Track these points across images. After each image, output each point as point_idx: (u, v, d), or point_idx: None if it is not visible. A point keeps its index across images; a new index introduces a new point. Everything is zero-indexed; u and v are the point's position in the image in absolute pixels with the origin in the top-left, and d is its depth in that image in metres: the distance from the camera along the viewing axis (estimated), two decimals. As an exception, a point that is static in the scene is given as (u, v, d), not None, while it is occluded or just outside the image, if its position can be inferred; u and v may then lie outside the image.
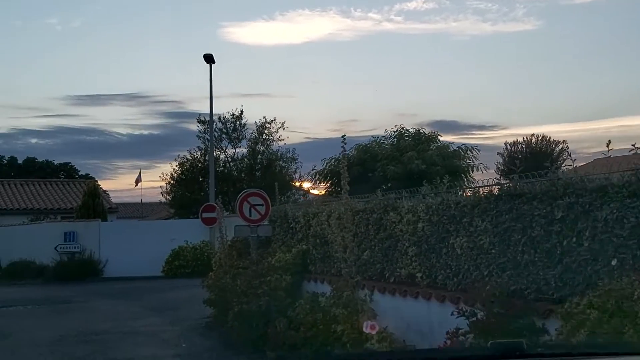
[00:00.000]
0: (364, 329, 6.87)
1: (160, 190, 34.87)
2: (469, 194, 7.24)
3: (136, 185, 36.69)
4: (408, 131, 23.40)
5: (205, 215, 23.18)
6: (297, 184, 32.66)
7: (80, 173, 49.73)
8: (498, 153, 40.22)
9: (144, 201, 40.20)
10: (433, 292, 7.44)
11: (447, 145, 23.03)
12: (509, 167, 35.47)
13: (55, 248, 23.03)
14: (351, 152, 21.94)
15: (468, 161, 22.76)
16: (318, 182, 24.37)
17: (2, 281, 23.05)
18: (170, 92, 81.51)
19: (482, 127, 56.94)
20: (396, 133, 23.21)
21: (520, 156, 38.02)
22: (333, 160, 22.55)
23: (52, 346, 10.55)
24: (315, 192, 25.84)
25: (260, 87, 69.14)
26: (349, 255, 8.10)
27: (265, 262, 10.60)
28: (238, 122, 33.30)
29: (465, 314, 6.09)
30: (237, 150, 33.71)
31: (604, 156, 6.05)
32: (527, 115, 62.13)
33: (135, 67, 64.18)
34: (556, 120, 68.97)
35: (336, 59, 62.89)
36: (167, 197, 34.15)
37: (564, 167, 7.45)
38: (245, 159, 33.51)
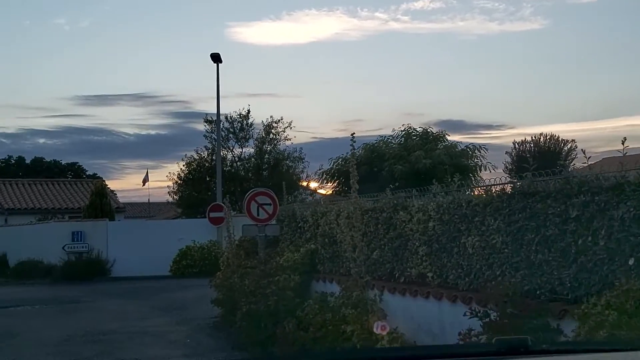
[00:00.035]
0: (375, 330, 6.76)
1: (167, 190, 34.91)
2: (481, 193, 7.12)
3: (143, 185, 36.75)
4: (415, 130, 23.29)
5: (212, 214, 23.15)
6: (304, 183, 32.60)
7: (87, 173, 49.86)
8: (506, 152, 40.09)
9: (151, 201, 40.27)
10: (444, 292, 7.33)
11: (454, 145, 22.91)
12: (517, 166, 35.36)
13: (63, 248, 23.04)
14: (358, 151, 21.81)
15: (476, 160, 22.65)
16: (325, 181, 24.32)
17: (11, 281, 23.11)
18: (177, 92, 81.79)
19: (489, 127, 56.75)
20: (404, 132, 23.12)
21: (528, 155, 37.91)
22: (340, 159, 22.48)
23: (59, 346, 10.52)
24: (322, 191, 25.81)
25: (267, 87, 69.18)
26: (358, 255, 8.00)
27: (274, 261, 10.52)
28: (245, 122, 33.28)
29: (478, 314, 5.98)
30: (244, 149, 33.71)
31: (613, 155, 5.94)
32: (534, 115, 61.89)
33: (143, 68, 64.35)
34: (563, 119, 68.66)
35: (343, 58, 62.85)
36: (175, 196, 34.16)
37: (573, 166, 7.34)
38: (252, 159, 33.47)
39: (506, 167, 37.88)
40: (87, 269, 22.31)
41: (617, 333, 4.39)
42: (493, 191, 6.87)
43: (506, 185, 6.77)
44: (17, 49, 63.58)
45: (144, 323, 12.62)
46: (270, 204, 11.92)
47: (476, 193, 7.39)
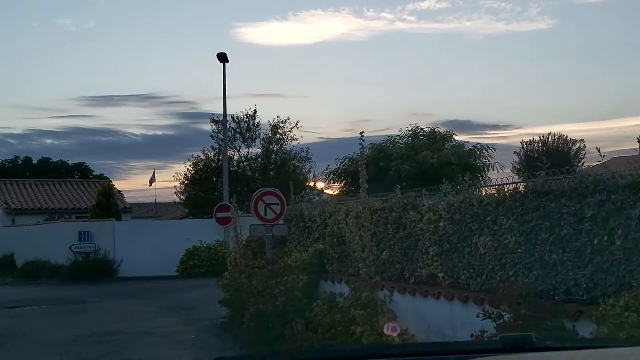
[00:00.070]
0: (385, 331, 6.66)
1: (174, 190, 34.88)
2: (492, 192, 7.00)
3: (150, 185, 36.78)
4: (423, 130, 23.14)
5: (219, 214, 23.09)
6: (311, 183, 32.50)
7: (94, 173, 49.94)
8: (514, 152, 39.89)
9: (158, 201, 40.30)
10: (456, 292, 7.22)
11: (462, 144, 22.76)
12: (525, 165, 35.15)
13: (69, 248, 23.04)
14: (366, 151, 21.68)
15: (483, 160, 22.49)
16: (332, 181, 24.21)
17: (18, 281, 23.13)
18: (183, 93, 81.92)
19: (495, 127, 56.50)
20: (411, 132, 22.97)
21: (537, 155, 37.68)
22: (347, 159, 22.36)
23: (66, 346, 10.46)
24: (328, 192, 25.70)
25: (273, 87, 69.13)
26: (367, 255, 7.90)
27: (281, 261, 10.43)
28: (251, 122, 33.20)
29: (492, 315, 5.87)
30: (250, 149, 33.64)
31: (621, 155, 5.82)
32: (541, 115, 61.61)
33: (149, 68, 64.47)
34: (570, 119, 68.31)
35: (349, 59, 62.71)
36: (181, 196, 34.13)
37: (582, 166, 7.23)
38: (259, 159, 33.39)
39: (514, 167, 37.70)
40: (94, 269, 22.29)
41: (637, 335, 4.27)
42: (505, 190, 6.76)
43: (519, 184, 6.65)
44: (24, 50, 63.89)
45: (151, 323, 12.56)
46: (277, 204, 11.83)
47: (487, 192, 7.26)
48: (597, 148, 6.13)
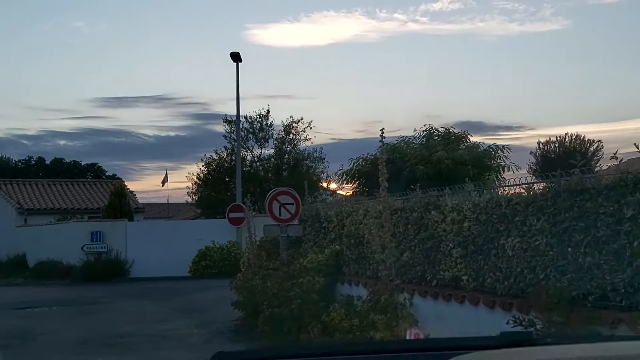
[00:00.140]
0: (408, 337, 6.32)
1: (186, 190, 34.73)
2: (521, 191, 6.64)
3: (163, 185, 36.65)
4: (437, 130, 22.78)
5: (232, 215, 22.85)
6: (324, 184, 32.20)
7: (107, 174, 49.95)
8: (530, 152, 39.30)
9: (170, 202, 40.19)
10: (481, 296, 6.87)
11: (477, 145, 22.37)
12: (542, 166, 34.61)
13: (82, 248, 22.89)
14: (378, 152, 21.40)
15: (499, 161, 22.09)
16: (345, 182, 23.89)
17: (30, 281, 23.04)
18: (195, 94, 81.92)
19: (508, 128, 55.77)
20: (425, 132, 22.61)
21: (553, 155, 37.10)
22: (361, 160, 22.06)
23: (76, 349, 10.25)
24: (341, 192, 25.40)
25: (285, 88, 69.01)
26: (387, 257, 7.58)
27: (297, 263, 10.13)
28: (264, 122, 32.97)
29: (523, 322, 5.51)
30: (263, 150, 33.41)
31: (638, 156, 5.46)
32: (555, 116, 60.78)
33: (161, 70, 64.49)
34: (584, 120, 67.46)
35: (361, 60, 62.27)
36: (194, 197, 33.97)
37: (599, 167, 6.89)
38: (272, 159, 33.15)
39: (530, 168, 37.13)
40: (106, 270, 22.13)
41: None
42: (536, 189, 6.40)
43: (550, 182, 6.28)
44: (38, 52, 64.02)
45: (162, 326, 12.30)
46: (292, 204, 11.53)
47: (515, 192, 6.90)
48: (636, 146, 5.75)
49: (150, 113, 71.60)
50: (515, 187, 7.07)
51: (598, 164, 34.52)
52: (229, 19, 61.42)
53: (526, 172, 31.40)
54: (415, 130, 22.86)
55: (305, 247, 11.40)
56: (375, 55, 61.01)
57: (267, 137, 33.18)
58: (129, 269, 22.76)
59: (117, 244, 23.07)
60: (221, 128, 34.39)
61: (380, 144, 7.83)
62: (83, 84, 66.47)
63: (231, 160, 31.71)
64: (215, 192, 32.22)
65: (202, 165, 33.29)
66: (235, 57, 24.57)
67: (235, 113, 26.22)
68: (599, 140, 38.30)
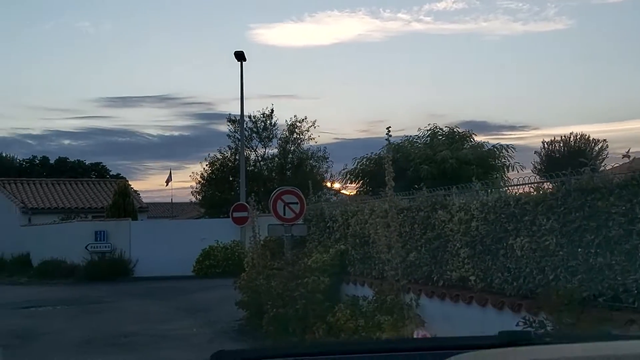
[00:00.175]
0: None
1: (190, 190, 34.66)
2: (530, 190, 6.54)
3: (167, 184, 36.61)
4: (441, 130, 22.67)
5: (236, 214, 22.78)
6: (328, 184, 32.10)
7: (111, 173, 49.95)
8: (535, 152, 39.11)
9: (174, 201, 40.15)
10: (489, 297, 6.76)
11: (481, 144, 22.25)
12: (546, 166, 34.42)
13: (86, 247, 22.86)
14: (382, 151, 21.35)
15: (503, 160, 21.96)
16: (349, 181, 23.80)
17: (34, 280, 23.00)
18: (199, 94, 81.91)
19: (512, 128, 55.49)
20: (429, 132, 22.50)
21: (558, 155, 36.89)
22: (364, 159, 21.96)
23: (80, 348, 10.19)
24: (345, 192, 25.30)
25: (289, 88, 68.83)
26: (394, 257, 7.47)
27: (302, 262, 10.02)
28: (268, 121, 32.89)
29: (533, 324, 5.41)
30: (267, 149, 33.34)
31: None
32: (559, 116, 60.58)
33: (165, 70, 64.59)
34: (588, 120, 67.22)
35: (365, 60, 62.20)
36: (198, 196, 33.91)
37: (603, 166, 6.77)
38: (276, 158, 33.07)
39: (535, 167, 36.95)
40: (110, 269, 22.08)
41: None
42: (545, 188, 6.29)
43: (561, 181, 6.17)
44: (43, 51, 64.15)
45: (166, 325, 12.22)
46: (297, 203, 11.44)
47: (523, 191, 6.79)
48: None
49: (155, 113, 71.73)
50: (523, 186, 6.97)
51: (603, 164, 34.38)
52: (232, 18, 61.42)
53: (530, 171, 31.26)
54: (419, 129, 22.74)
55: (310, 247, 11.30)
56: (379, 55, 60.93)
57: (271, 136, 33.13)
58: (133, 268, 22.71)
59: (121, 244, 23.02)
60: (225, 128, 34.43)
61: (387, 142, 7.73)
62: (87, 83, 66.67)
63: (235, 159, 31.64)
64: (219, 192, 32.15)
65: (206, 165, 33.26)
66: (240, 56, 24.49)
67: (239, 113, 26.19)
68: (604, 140, 38.05)
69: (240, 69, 24.61)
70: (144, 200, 36.14)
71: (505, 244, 6.63)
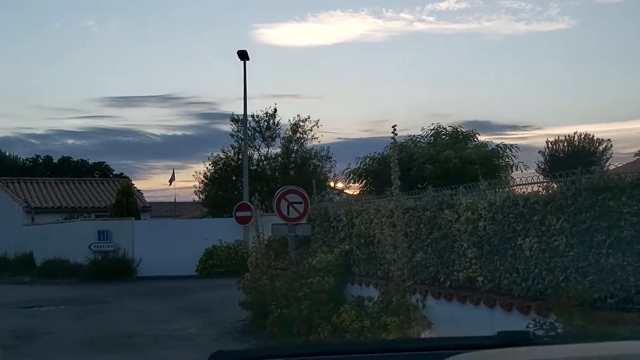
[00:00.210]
0: (422, 340, 6.12)
1: (193, 189, 34.62)
2: (539, 190, 6.43)
3: (170, 184, 36.56)
4: (445, 129, 22.56)
5: (239, 214, 22.71)
6: (331, 183, 32.02)
7: (114, 172, 49.94)
8: (539, 151, 38.94)
9: (177, 200, 40.10)
10: (497, 298, 6.66)
11: (485, 144, 22.13)
12: (550, 165, 34.26)
13: (89, 247, 22.80)
14: (386, 151, 21.29)
15: (507, 160, 21.84)
16: (352, 181, 23.70)
17: (37, 280, 22.95)
18: (203, 94, 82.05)
19: (515, 127, 55.43)
20: (433, 131, 22.40)
21: (562, 155, 36.73)
22: (368, 159, 21.86)
23: (82, 349, 10.10)
24: (348, 191, 25.21)
25: (292, 88, 68.77)
26: (400, 257, 7.37)
27: (306, 262, 9.92)
28: (272, 121, 32.81)
29: (544, 326, 5.30)
30: (270, 149, 33.26)
31: None
32: (561, 116, 60.43)
33: (169, 70, 64.55)
34: (590, 120, 67.07)
35: (368, 59, 62.10)
36: (201, 196, 33.85)
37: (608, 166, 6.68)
38: (279, 158, 32.99)
39: (539, 167, 36.78)
40: (113, 269, 22.02)
41: None
42: (555, 187, 6.18)
43: (571, 180, 6.06)
44: (47, 51, 64.24)
45: (169, 326, 12.14)
46: (301, 203, 11.34)
47: (533, 190, 6.69)
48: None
49: (158, 112, 71.77)
50: (532, 185, 6.86)
51: (607, 163, 34.19)
52: (236, 18, 61.43)
53: (534, 171, 31.10)
54: (422, 129, 22.67)
55: (314, 247, 11.21)
56: (382, 54, 60.82)
57: (274, 136, 33.05)
58: (136, 267, 22.65)
59: (124, 243, 22.96)
60: (228, 127, 34.32)
61: (393, 141, 7.63)
62: (91, 83, 66.73)
63: (238, 159, 31.57)
64: (222, 191, 32.08)
65: (209, 164, 33.20)
66: (243, 55, 24.42)
67: (242, 112, 26.09)
68: (608, 140, 37.92)
69: (243, 68, 24.56)
70: (147, 200, 36.08)
71: (513, 244, 6.53)
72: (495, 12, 56.75)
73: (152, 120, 77.93)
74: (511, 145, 22.22)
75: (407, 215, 8.12)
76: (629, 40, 53.77)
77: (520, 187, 7.22)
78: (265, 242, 11.97)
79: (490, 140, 23.16)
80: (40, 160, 50.21)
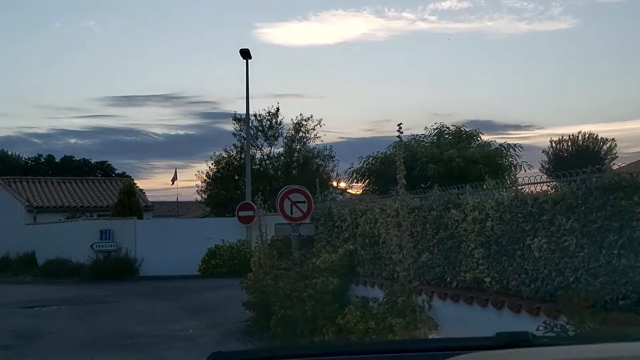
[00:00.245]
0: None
1: (195, 189, 34.54)
2: (548, 189, 6.31)
3: (172, 183, 36.49)
4: (448, 129, 22.45)
5: (241, 213, 22.61)
6: (334, 183, 31.92)
7: (116, 172, 49.86)
8: (543, 151, 38.78)
9: (179, 200, 40.05)
10: (506, 300, 6.54)
11: (488, 143, 22.01)
12: (554, 165, 34.10)
13: (91, 246, 22.73)
14: (389, 150, 21.18)
15: (510, 159, 21.72)
16: (355, 180, 23.60)
17: (39, 279, 22.89)
18: (205, 93, 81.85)
19: (517, 127, 55.17)
20: (436, 131, 22.29)
21: (566, 154, 36.55)
22: (371, 158, 21.75)
23: (84, 349, 10.01)
24: (351, 191, 25.11)
25: (293, 87, 68.66)
26: (405, 257, 7.26)
27: (310, 263, 9.81)
28: (274, 120, 32.72)
29: (554, 329, 5.19)
30: (273, 148, 33.17)
31: None
32: (564, 115, 60.21)
33: (171, 69, 64.46)
34: (593, 120, 66.85)
35: (370, 59, 61.91)
36: (203, 195, 33.78)
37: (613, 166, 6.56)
38: (282, 157, 32.90)
39: (542, 167, 36.63)
40: (115, 268, 21.94)
41: None
42: (563, 187, 6.06)
43: (580, 179, 5.94)
44: (49, 50, 64.16)
45: (171, 326, 12.05)
46: (304, 202, 11.23)
47: (542, 189, 6.57)
48: None
49: (160, 112, 71.72)
50: (541, 184, 6.75)
51: (612, 163, 34.02)
52: (237, 18, 61.29)
53: (538, 171, 30.95)
54: (425, 128, 22.54)
55: (318, 247, 11.09)
56: (384, 54, 60.65)
57: (276, 135, 32.97)
58: (138, 267, 22.57)
59: (127, 243, 22.88)
60: (230, 126, 34.26)
61: (398, 139, 7.52)
62: (93, 82, 66.61)
63: (241, 158, 31.49)
64: (225, 191, 32.01)
65: (212, 164, 33.14)
66: (245, 53, 24.33)
67: (244, 111, 26.01)
68: (612, 139, 37.74)
69: (245, 66, 24.47)
70: (150, 199, 35.98)
71: (522, 245, 6.41)
72: (497, 12, 56.61)
73: (155, 120, 77.90)
74: (515, 144, 22.13)
75: (412, 214, 8.00)
76: (632, 40, 53.60)
77: (528, 186, 7.10)
78: (269, 241, 11.86)
79: (493, 140, 23.05)
80: (43, 160, 50.15)
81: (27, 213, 29.90)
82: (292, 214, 11.17)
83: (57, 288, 19.94)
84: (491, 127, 51.61)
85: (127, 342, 10.62)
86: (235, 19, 60.64)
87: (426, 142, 22.22)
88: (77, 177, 37.73)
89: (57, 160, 50.05)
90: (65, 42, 63.68)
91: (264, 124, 32.74)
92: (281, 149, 32.98)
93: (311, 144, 32.87)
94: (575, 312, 5.35)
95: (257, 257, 11.86)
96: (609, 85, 54.41)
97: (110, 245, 22.91)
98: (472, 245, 7.12)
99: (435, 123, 22.78)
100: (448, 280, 7.58)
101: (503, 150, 21.75)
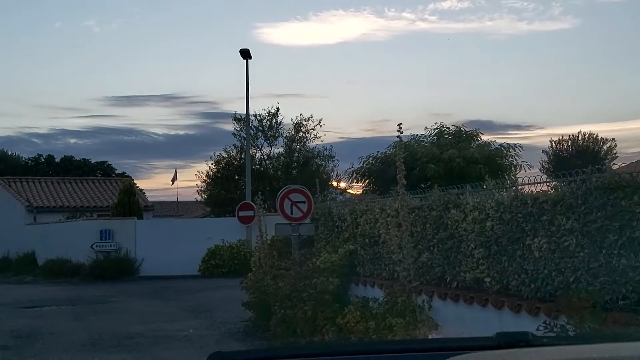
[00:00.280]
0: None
1: (196, 189, 34.53)
2: (548, 189, 6.31)
3: (172, 183, 36.49)
4: (448, 129, 22.45)
5: (241, 213, 22.61)
6: (334, 183, 31.92)
7: (116, 172, 49.85)
8: (543, 151, 38.79)
9: (179, 200, 40.05)
10: (506, 300, 6.54)
11: (488, 143, 22.02)
12: (554, 165, 34.09)
13: (91, 246, 22.73)
14: (389, 150, 21.18)
15: (510, 159, 21.72)
16: (355, 180, 23.61)
17: (39, 279, 22.89)
18: (205, 93, 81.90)
19: (517, 127, 55.22)
20: (436, 131, 22.31)
21: (566, 154, 36.55)
22: (371, 158, 21.76)
23: (83, 349, 10.01)
24: (351, 191, 25.12)
25: (294, 87, 68.63)
26: (405, 257, 7.26)
27: (310, 263, 9.81)
28: (274, 120, 32.71)
29: (555, 329, 5.19)
30: (273, 148, 33.16)
31: None
32: (564, 115, 60.21)
33: (171, 69, 64.46)
34: (593, 120, 66.83)
35: (370, 59, 61.93)
36: (203, 195, 33.77)
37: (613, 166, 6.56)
38: (282, 157, 32.89)
39: (542, 167, 36.63)
40: (115, 268, 21.94)
41: None
42: (562, 186, 6.06)
43: (580, 179, 5.94)
44: (49, 50, 64.20)
45: (171, 326, 12.04)
46: (304, 202, 11.22)
47: (542, 189, 6.57)
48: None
49: (160, 112, 71.72)
50: (541, 184, 6.75)
51: (612, 163, 34.01)
52: (238, 18, 61.33)
53: (538, 171, 30.94)
54: (426, 128, 22.58)
55: (318, 247, 11.09)
56: (384, 54, 60.67)
57: (276, 135, 32.94)
58: (138, 267, 22.57)
59: (127, 243, 22.88)
60: (230, 126, 34.23)
61: (398, 139, 7.52)
62: (94, 82, 66.62)
63: (241, 158, 31.48)
64: (225, 191, 31.99)
65: (212, 164, 33.12)
66: (245, 53, 24.33)
67: (244, 111, 26.02)
68: (612, 139, 37.74)
69: (245, 66, 24.47)
70: (150, 199, 35.99)
71: (522, 245, 6.41)
72: (497, 12, 56.62)
73: (155, 120, 77.93)
74: (515, 144, 22.13)
75: (412, 214, 8.00)
76: (632, 40, 53.61)
77: (528, 186, 7.10)
78: (269, 241, 11.86)
79: (493, 140, 23.05)
80: (43, 160, 50.14)
81: (27, 213, 29.90)
82: (292, 214, 11.17)
83: (57, 288, 19.93)
84: (491, 127, 51.67)
85: (127, 342, 10.61)
86: (235, 19, 60.72)
87: (426, 142, 22.24)
88: (77, 177, 37.71)
89: (57, 160, 50.04)
90: (64, 42, 63.77)
91: (264, 124, 32.73)
92: (281, 149, 32.99)
93: (311, 144, 32.90)
94: (575, 312, 5.35)
95: (257, 257, 11.86)
96: (609, 85, 54.46)
97: (110, 245, 22.92)
98: (472, 245, 7.12)
99: (435, 123, 22.80)
100: (448, 280, 7.58)
101: (503, 150, 21.76)
